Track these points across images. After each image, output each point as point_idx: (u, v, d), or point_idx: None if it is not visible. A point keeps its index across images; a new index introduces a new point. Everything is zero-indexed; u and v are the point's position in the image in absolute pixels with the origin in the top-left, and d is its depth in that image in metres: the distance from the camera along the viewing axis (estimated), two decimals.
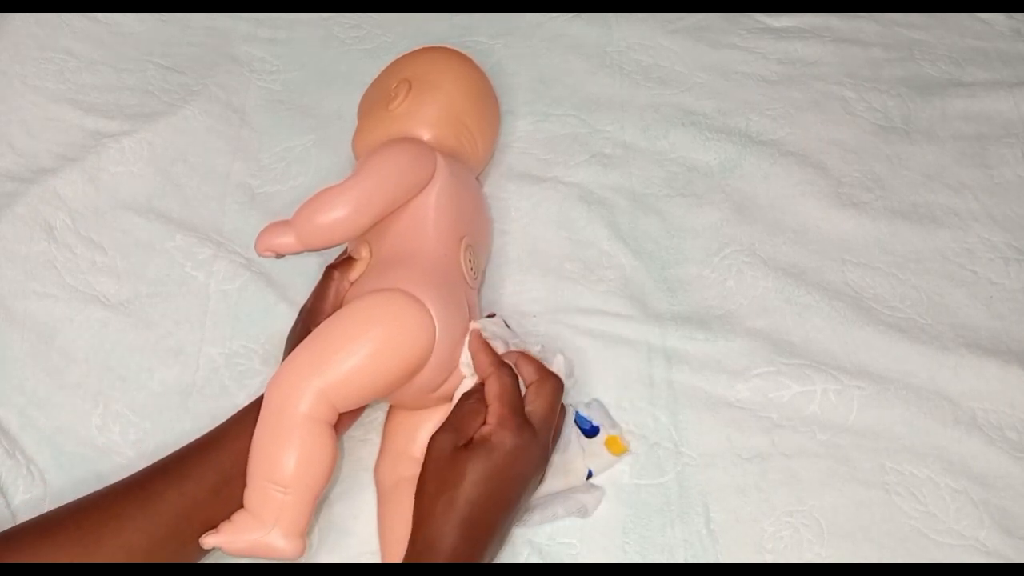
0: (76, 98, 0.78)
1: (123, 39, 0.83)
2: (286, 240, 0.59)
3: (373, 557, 0.57)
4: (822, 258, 0.71)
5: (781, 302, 0.68)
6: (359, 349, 0.53)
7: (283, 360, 0.58)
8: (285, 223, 0.59)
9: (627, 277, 0.69)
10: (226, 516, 0.53)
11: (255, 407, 0.56)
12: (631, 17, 0.87)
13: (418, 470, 0.56)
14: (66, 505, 0.52)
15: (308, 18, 0.87)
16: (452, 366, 0.57)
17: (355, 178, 0.60)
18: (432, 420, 0.57)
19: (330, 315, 0.57)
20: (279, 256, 0.60)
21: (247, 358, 0.65)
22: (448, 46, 0.72)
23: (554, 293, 0.68)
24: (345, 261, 0.61)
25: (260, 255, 0.60)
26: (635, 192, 0.74)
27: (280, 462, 0.51)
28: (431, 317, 0.55)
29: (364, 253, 0.61)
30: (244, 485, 0.53)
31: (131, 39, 0.83)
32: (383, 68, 0.72)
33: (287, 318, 0.66)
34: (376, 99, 0.69)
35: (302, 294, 0.67)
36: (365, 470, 0.60)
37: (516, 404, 0.54)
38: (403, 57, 0.72)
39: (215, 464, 0.54)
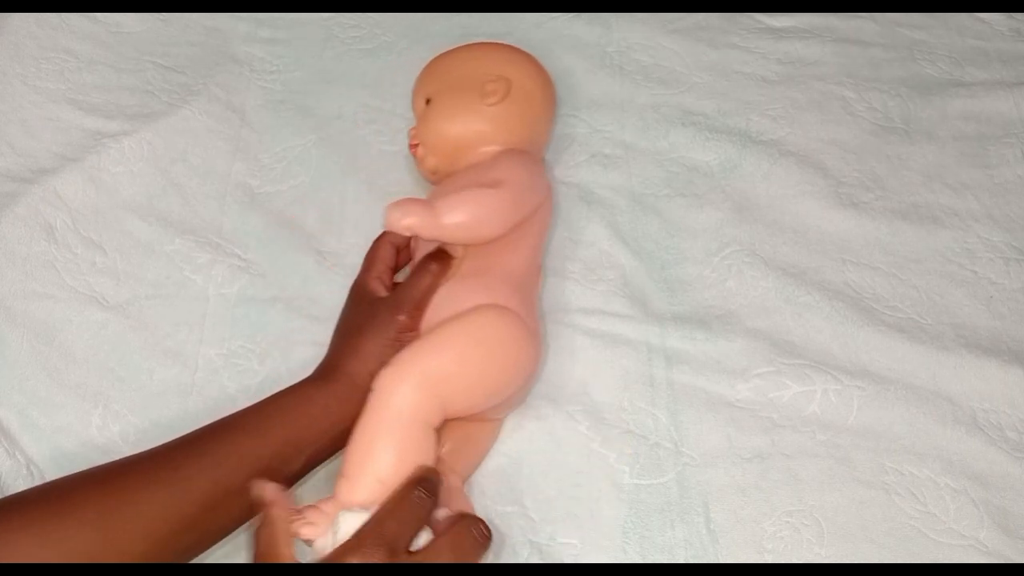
0: (76, 98, 0.78)
1: (123, 39, 0.83)
2: (424, 223, 0.58)
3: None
4: (822, 258, 0.71)
5: (781, 302, 0.68)
6: (488, 370, 0.55)
7: (342, 337, 0.58)
8: (425, 206, 0.59)
9: (627, 277, 0.69)
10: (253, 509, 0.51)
11: (294, 398, 0.54)
12: (631, 17, 0.87)
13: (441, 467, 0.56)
14: (90, 474, 0.49)
15: (308, 18, 0.87)
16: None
17: (506, 188, 0.61)
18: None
19: (419, 306, 0.57)
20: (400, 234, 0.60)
21: (245, 358, 0.65)
22: (537, 59, 0.72)
23: (554, 293, 0.68)
24: (444, 258, 0.60)
25: (388, 227, 0.59)
26: (635, 192, 0.74)
27: (396, 466, 0.51)
28: (539, 346, 0.59)
29: (460, 251, 0.61)
30: (280, 477, 0.52)
31: (131, 39, 0.83)
32: (472, 45, 0.71)
33: (284, 318, 0.66)
34: (468, 82, 0.68)
35: (299, 294, 0.68)
36: None
37: None
38: (501, 49, 0.71)
39: (253, 452, 0.51)
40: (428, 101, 0.69)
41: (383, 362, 0.55)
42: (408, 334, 0.57)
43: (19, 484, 0.58)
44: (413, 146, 0.68)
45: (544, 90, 0.70)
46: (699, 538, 0.57)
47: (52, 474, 0.59)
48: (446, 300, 0.59)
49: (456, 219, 0.59)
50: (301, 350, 0.65)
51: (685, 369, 0.64)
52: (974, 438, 0.61)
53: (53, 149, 0.74)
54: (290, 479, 0.54)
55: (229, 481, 0.50)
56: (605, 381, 0.64)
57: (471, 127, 0.66)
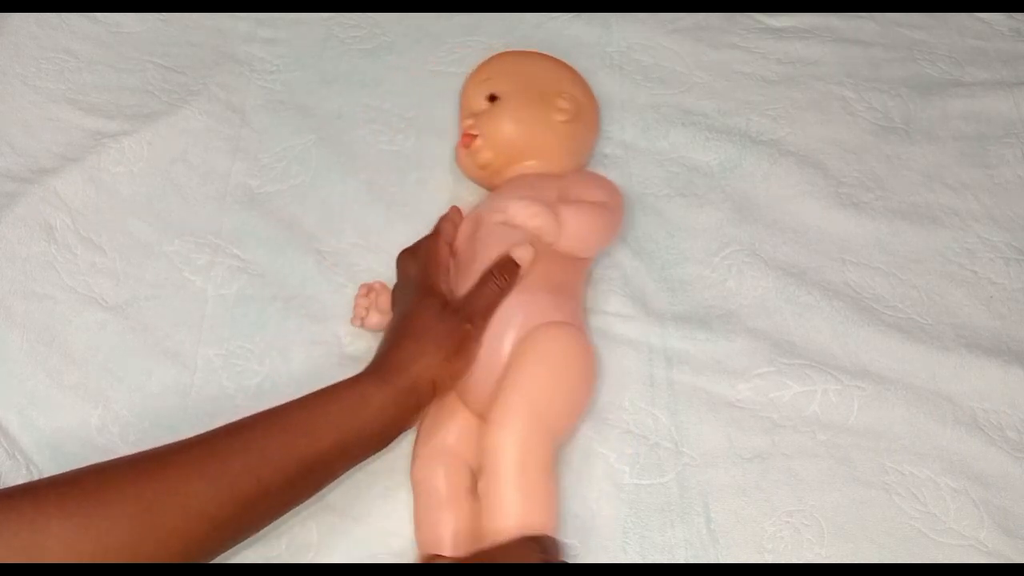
0: (76, 98, 0.78)
1: (123, 39, 0.83)
2: (550, 228, 0.59)
3: (373, 558, 0.57)
4: (822, 258, 0.71)
5: (781, 302, 0.68)
6: (578, 392, 0.58)
7: (403, 336, 0.56)
8: (551, 211, 0.59)
9: (627, 277, 0.69)
10: (292, 506, 0.51)
11: (350, 397, 0.53)
12: (631, 17, 0.87)
13: (458, 463, 0.57)
14: (128, 461, 0.47)
15: (308, 18, 0.87)
16: None
17: (614, 211, 0.65)
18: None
19: (486, 316, 0.58)
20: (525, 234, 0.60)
21: (244, 358, 0.65)
22: None
23: None
24: (512, 269, 0.59)
25: (509, 220, 0.59)
26: (635, 192, 0.74)
27: (533, 511, 0.53)
28: None
29: (530, 259, 0.60)
30: (319, 477, 0.52)
31: (131, 39, 0.83)
32: (539, 54, 0.74)
33: (283, 317, 0.66)
34: (539, 91, 0.69)
35: (298, 293, 0.68)
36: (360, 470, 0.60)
37: None
38: (569, 70, 0.74)
39: (301, 451, 0.50)
40: (493, 97, 0.69)
41: (441, 368, 0.55)
42: (471, 344, 0.57)
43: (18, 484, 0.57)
44: (471, 136, 0.68)
45: (598, 120, 0.74)
46: (699, 538, 0.57)
47: (51, 474, 0.59)
48: (515, 311, 0.59)
49: (578, 232, 0.61)
50: (300, 350, 0.65)
51: (685, 369, 0.64)
52: (974, 438, 0.61)
53: (53, 149, 0.74)
54: (326, 481, 0.53)
55: (271, 479, 0.49)
56: (605, 381, 0.63)
57: (538, 137, 0.68)
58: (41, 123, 0.76)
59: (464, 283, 0.60)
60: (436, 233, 0.64)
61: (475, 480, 0.57)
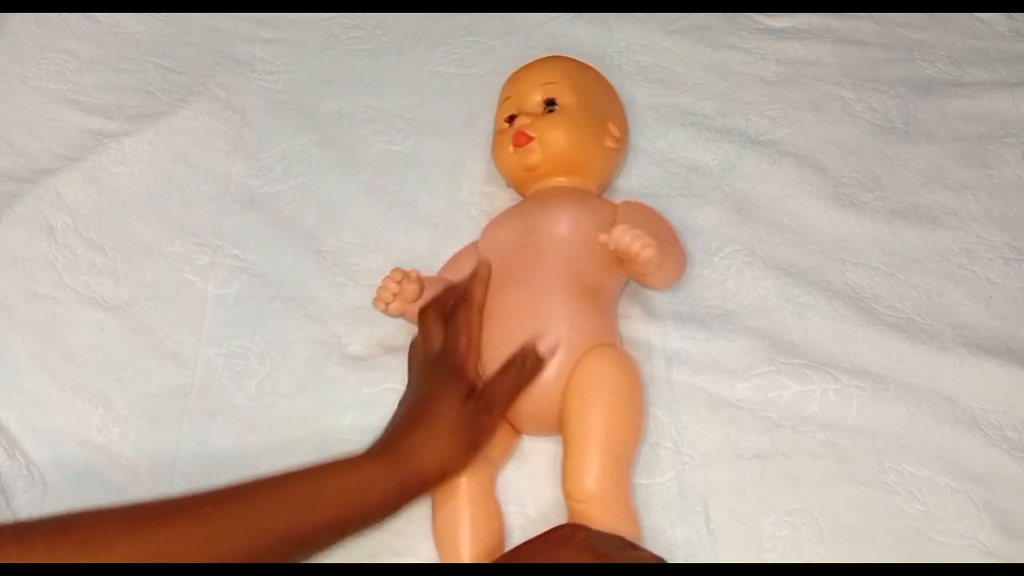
0: (76, 98, 0.78)
1: (123, 39, 0.83)
2: (654, 261, 0.59)
3: (373, 558, 0.57)
4: (822, 258, 0.71)
5: (781, 302, 0.68)
6: (637, 413, 0.59)
7: (420, 419, 0.55)
8: (659, 249, 0.59)
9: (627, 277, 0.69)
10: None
11: (355, 479, 0.51)
12: (631, 17, 0.87)
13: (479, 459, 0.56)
14: (117, 514, 0.46)
15: (308, 18, 0.87)
16: None
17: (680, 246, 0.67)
18: None
19: (505, 408, 0.57)
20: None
21: (244, 358, 0.65)
22: None
23: None
24: (537, 360, 0.58)
25: (611, 241, 0.59)
26: (635, 192, 0.74)
27: (630, 532, 0.55)
28: None
29: (555, 350, 0.58)
30: (315, 549, 0.51)
31: (131, 39, 0.83)
32: (596, 71, 0.74)
33: (282, 317, 0.66)
34: (595, 109, 0.70)
35: (297, 293, 0.68)
36: None
37: None
38: (613, 90, 0.74)
39: (297, 526, 0.49)
40: (551, 102, 0.68)
41: (453, 459, 0.54)
42: (486, 436, 0.56)
43: (19, 484, 0.58)
44: (529, 137, 0.67)
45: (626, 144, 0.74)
46: (699, 538, 0.57)
47: (52, 475, 0.59)
48: (561, 329, 0.59)
49: (670, 269, 0.63)
50: (300, 350, 0.65)
51: (685, 369, 0.64)
52: (974, 438, 0.61)
53: (53, 149, 0.74)
54: (317, 552, 0.52)
55: (264, 548, 0.48)
56: None
57: (588, 156, 0.68)
58: (41, 123, 0.76)
59: (505, 296, 0.61)
60: (469, 301, 0.61)
61: (494, 477, 0.58)
